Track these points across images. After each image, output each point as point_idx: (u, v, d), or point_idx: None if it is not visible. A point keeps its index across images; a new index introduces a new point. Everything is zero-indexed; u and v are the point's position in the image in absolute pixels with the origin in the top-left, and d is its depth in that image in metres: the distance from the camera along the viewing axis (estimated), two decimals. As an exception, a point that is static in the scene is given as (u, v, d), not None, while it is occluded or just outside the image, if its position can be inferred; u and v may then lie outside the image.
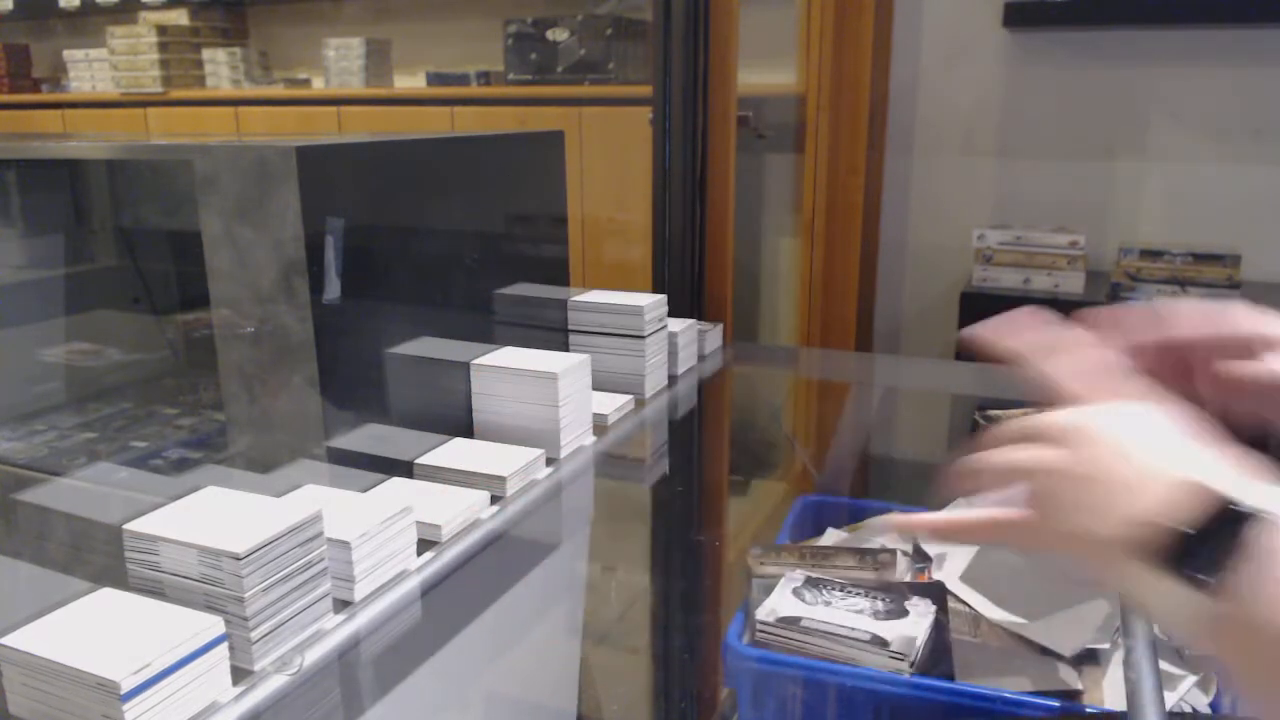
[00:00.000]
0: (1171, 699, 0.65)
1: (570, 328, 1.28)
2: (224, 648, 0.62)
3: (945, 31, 2.53)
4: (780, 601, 0.71)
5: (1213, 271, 2.12)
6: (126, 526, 0.67)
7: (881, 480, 1.24)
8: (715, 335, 1.52)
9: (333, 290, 0.86)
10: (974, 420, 1.12)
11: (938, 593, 0.72)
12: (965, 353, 0.61)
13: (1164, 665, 0.65)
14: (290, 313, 0.85)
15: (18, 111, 3.89)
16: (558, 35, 2.89)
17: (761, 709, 0.66)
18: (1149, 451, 0.45)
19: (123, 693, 0.55)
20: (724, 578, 0.89)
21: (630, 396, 1.23)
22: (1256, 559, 0.39)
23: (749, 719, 0.67)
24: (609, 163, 2.64)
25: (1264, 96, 2.25)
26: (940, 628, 0.69)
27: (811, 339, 2.40)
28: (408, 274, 0.98)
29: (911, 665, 0.63)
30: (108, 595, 0.64)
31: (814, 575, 0.75)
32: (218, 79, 3.59)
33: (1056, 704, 0.63)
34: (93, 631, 0.60)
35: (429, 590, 0.79)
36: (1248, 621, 0.39)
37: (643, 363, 1.25)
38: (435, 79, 3.28)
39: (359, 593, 0.75)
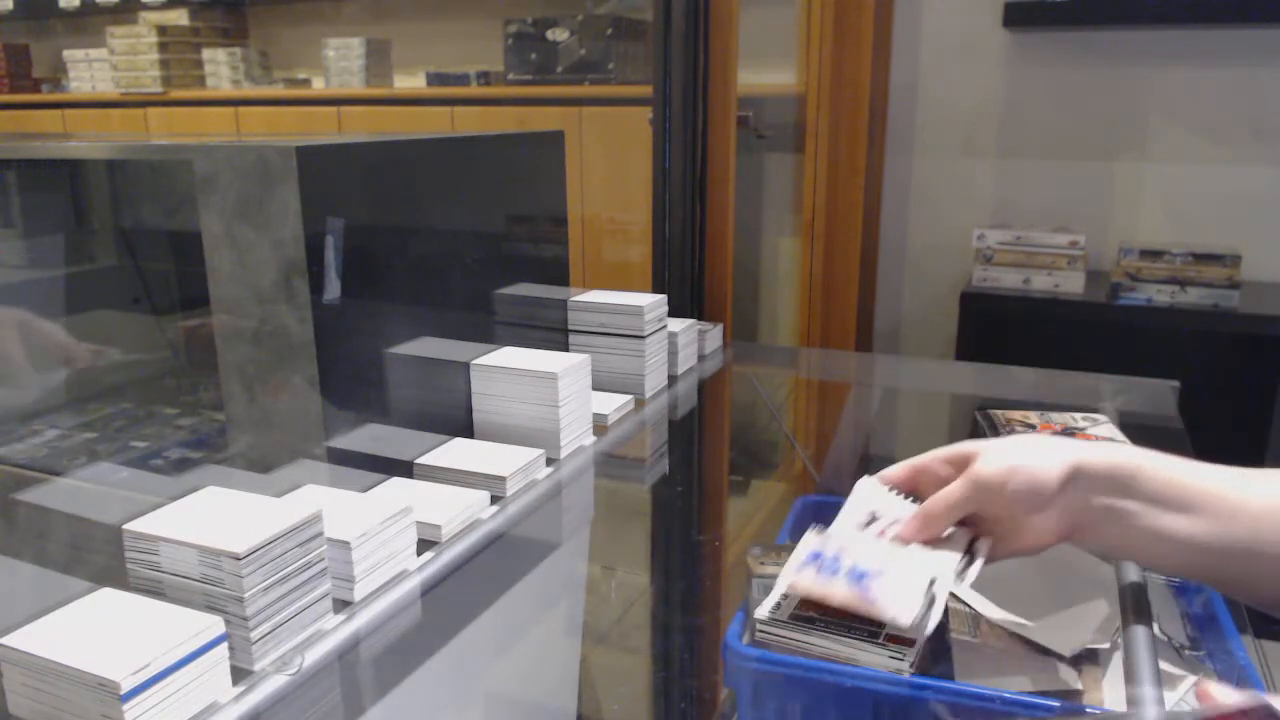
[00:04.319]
0: (1171, 699, 0.65)
1: (570, 328, 1.28)
2: (224, 648, 0.62)
3: (945, 31, 2.53)
4: (780, 601, 0.71)
5: (1213, 271, 2.12)
6: (126, 526, 0.67)
7: (881, 480, 1.24)
8: (715, 335, 1.52)
9: (333, 290, 0.86)
10: (974, 420, 1.12)
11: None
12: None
13: (1164, 665, 0.65)
14: (290, 313, 0.85)
15: (18, 111, 3.89)
16: (558, 35, 2.89)
17: (761, 709, 0.66)
18: None
19: (123, 693, 0.55)
20: (724, 578, 0.89)
21: (630, 396, 1.23)
22: None
23: (749, 719, 0.67)
24: (609, 163, 2.64)
25: (1264, 96, 2.25)
26: (940, 628, 0.68)
27: (811, 339, 2.40)
28: (408, 274, 0.98)
29: (911, 665, 0.63)
30: (108, 595, 0.64)
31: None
32: (218, 79, 3.59)
33: (1056, 704, 0.63)
34: (93, 631, 0.60)
35: (429, 590, 0.79)
36: None
37: (643, 363, 1.25)
38: (435, 79, 3.28)
39: (359, 593, 0.75)
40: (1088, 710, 0.64)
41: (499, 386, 1.06)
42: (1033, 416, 1.09)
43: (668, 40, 1.48)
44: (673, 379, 1.34)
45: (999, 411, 1.10)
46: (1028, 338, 2.45)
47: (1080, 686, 0.66)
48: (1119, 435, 1.03)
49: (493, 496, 0.94)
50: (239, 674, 0.64)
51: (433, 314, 1.03)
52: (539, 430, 1.04)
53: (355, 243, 0.88)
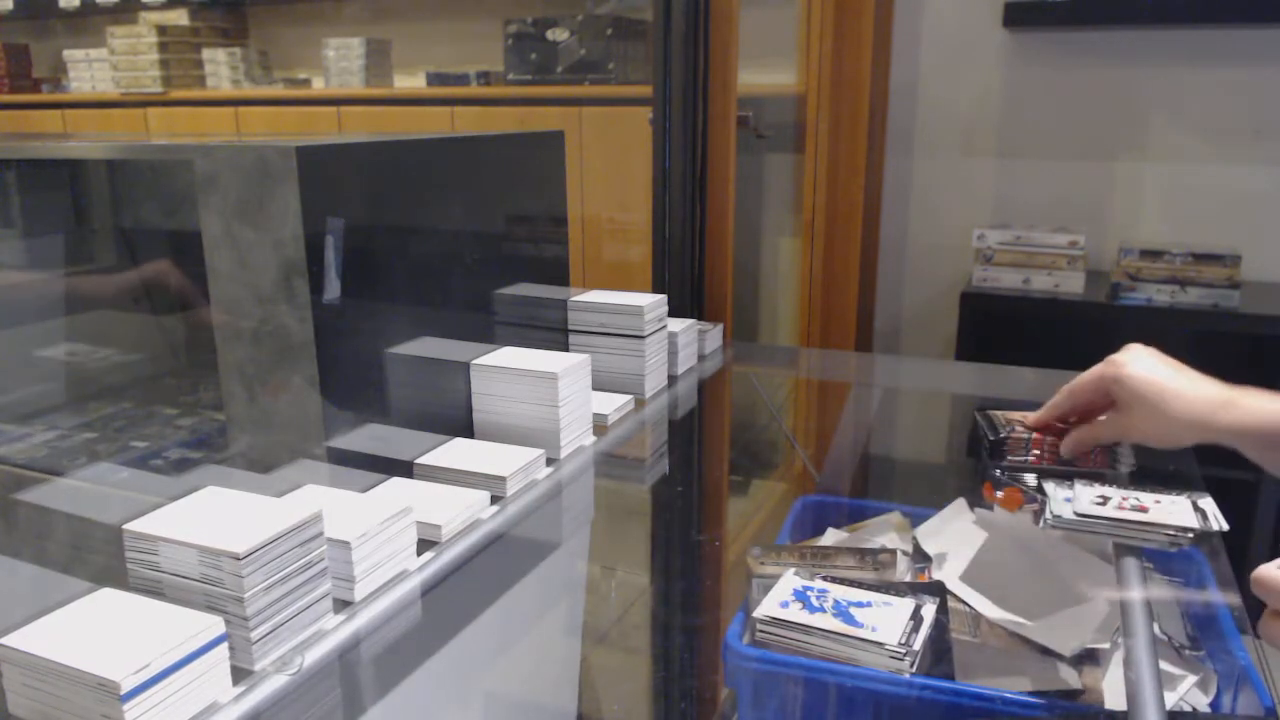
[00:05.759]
0: (1171, 699, 0.65)
1: (570, 328, 1.28)
2: (224, 648, 0.62)
3: (945, 31, 2.53)
4: (780, 601, 0.71)
5: (1213, 271, 2.12)
6: (126, 526, 0.67)
7: (881, 480, 1.24)
8: (715, 335, 1.52)
9: (333, 290, 0.86)
10: (974, 420, 1.12)
11: (938, 593, 0.72)
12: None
13: (1164, 665, 0.65)
14: (290, 313, 0.85)
15: (18, 111, 3.89)
16: (558, 35, 2.89)
17: (761, 709, 0.66)
18: None
19: (123, 693, 0.55)
20: (724, 578, 0.89)
21: (630, 396, 1.23)
22: None
23: (749, 719, 0.67)
24: (609, 163, 2.64)
25: (1264, 96, 2.25)
26: (940, 628, 0.69)
27: (811, 339, 2.40)
28: (408, 274, 0.98)
29: (912, 665, 0.63)
30: (108, 595, 0.64)
31: (815, 575, 0.75)
32: (218, 79, 3.59)
33: (1057, 704, 0.63)
34: (93, 631, 0.60)
35: (429, 590, 0.79)
36: None
37: (643, 363, 1.25)
38: (435, 79, 3.28)
39: (359, 593, 0.75)
40: (1088, 710, 0.64)
41: (499, 386, 1.06)
42: (1032, 417, 1.08)
43: (668, 40, 1.48)
44: (673, 379, 1.34)
45: (999, 411, 1.10)
46: (1028, 338, 2.45)
47: (1080, 686, 0.66)
48: (1119, 435, 1.03)
49: (493, 496, 0.94)
50: (239, 674, 0.64)
51: (433, 314, 1.03)
52: (539, 430, 1.04)
53: (355, 243, 0.88)
